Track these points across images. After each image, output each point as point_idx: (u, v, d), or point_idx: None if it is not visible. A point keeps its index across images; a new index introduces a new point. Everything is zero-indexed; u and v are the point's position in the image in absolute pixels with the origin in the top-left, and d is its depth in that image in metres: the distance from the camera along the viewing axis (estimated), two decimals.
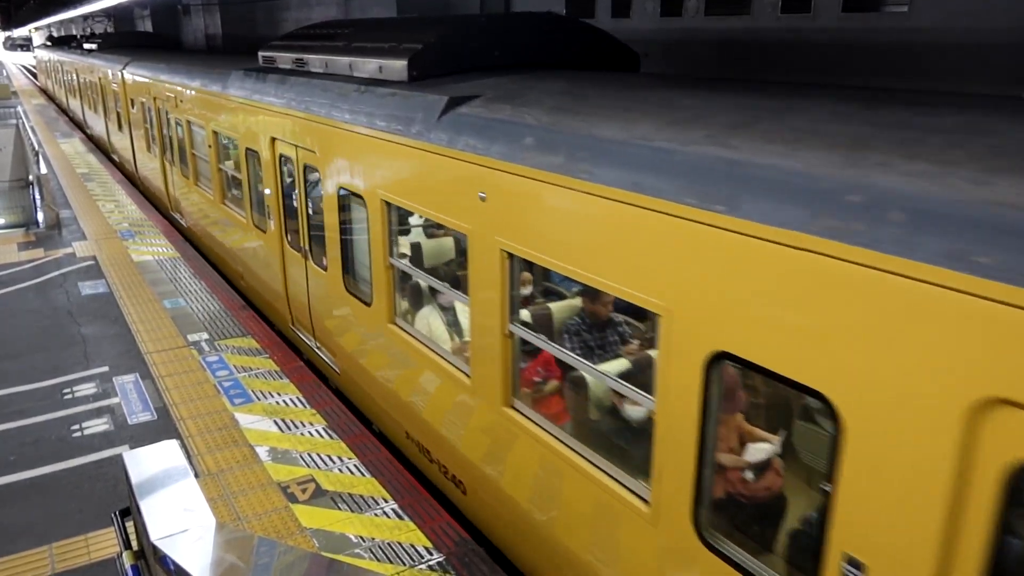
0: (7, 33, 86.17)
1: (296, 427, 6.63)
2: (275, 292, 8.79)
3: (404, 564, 4.91)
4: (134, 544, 3.78)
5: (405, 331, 5.91)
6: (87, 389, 7.43)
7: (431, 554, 4.99)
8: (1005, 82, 5.76)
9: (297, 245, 7.85)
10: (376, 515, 5.40)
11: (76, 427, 6.72)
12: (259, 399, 7.13)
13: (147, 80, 13.95)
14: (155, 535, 3.17)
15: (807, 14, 7.30)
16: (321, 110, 6.65)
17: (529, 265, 4.65)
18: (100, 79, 19.68)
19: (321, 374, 7.82)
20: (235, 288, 10.35)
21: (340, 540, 5.14)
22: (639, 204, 3.38)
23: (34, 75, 56.64)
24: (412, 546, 5.08)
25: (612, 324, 4.86)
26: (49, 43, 43.30)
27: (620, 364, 4.56)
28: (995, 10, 5.88)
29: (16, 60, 79.66)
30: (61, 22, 43.97)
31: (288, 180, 7.93)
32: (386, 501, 5.55)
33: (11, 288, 10.34)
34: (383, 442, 6.47)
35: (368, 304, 6.33)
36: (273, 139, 7.90)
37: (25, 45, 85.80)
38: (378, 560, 4.93)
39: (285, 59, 8.15)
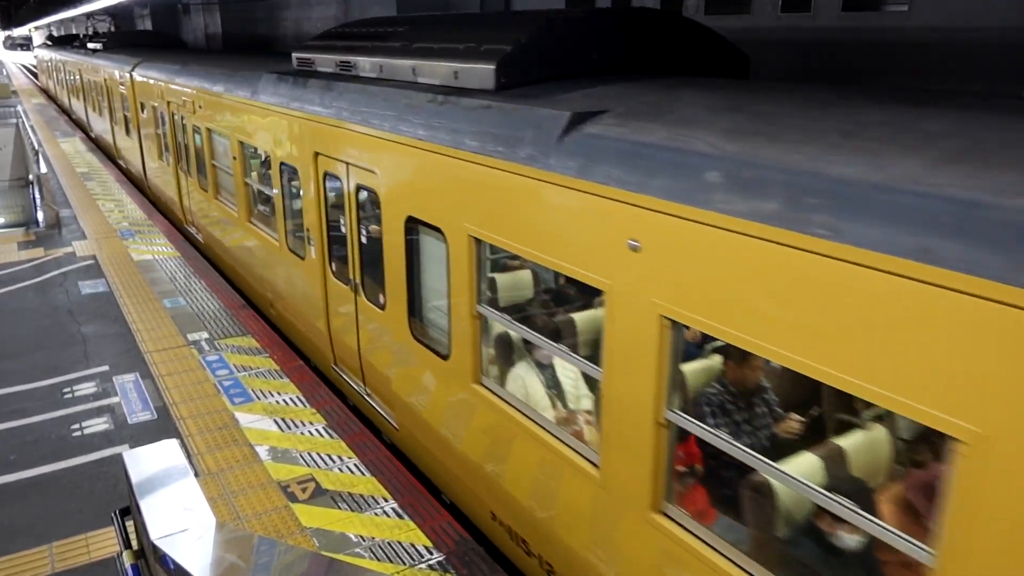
0: (7, 32, 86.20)
1: (296, 426, 6.63)
2: (313, 326, 7.83)
3: (404, 563, 4.91)
4: (134, 543, 3.78)
5: (498, 396, 4.87)
6: (87, 388, 7.43)
7: (431, 553, 4.99)
8: (1006, 81, 5.76)
9: (345, 277, 6.89)
10: (376, 514, 5.40)
11: (76, 426, 6.72)
12: (259, 398, 7.13)
13: (160, 83, 13.20)
14: (155, 534, 3.17)
15: (807, 13, 7.31)
16: (384, 123, 5.67)
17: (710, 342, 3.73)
18: (106, 80, 19.15)
19: (369, 421, 6.94)
20: (240, 292, 10.29)
21: (340, 539, 5.14)
22: (931, 281, 2.41)
23: (34, 75, 56.66)
24: (412, 545, 5.08)
25: (761, 393, 3.93)
26: (49, 42, 43.30)
27: (809, 463, 3.44)
28: (995, 9, 5.90)
29: (16, 59, 79.69)
30: (61, 21, 43.99)
31: (335, 202, 6.96)
32: (386, 500, 5.55)
33: (11, 287, 10.34)
34: (457, 517, 5.52)
35: (445, 357, 5.33)
36: (316, 154, 6.92)
37: (25, 44, 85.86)
38: (378, 559, 4.93)
39: (326, 61, 7.10)
